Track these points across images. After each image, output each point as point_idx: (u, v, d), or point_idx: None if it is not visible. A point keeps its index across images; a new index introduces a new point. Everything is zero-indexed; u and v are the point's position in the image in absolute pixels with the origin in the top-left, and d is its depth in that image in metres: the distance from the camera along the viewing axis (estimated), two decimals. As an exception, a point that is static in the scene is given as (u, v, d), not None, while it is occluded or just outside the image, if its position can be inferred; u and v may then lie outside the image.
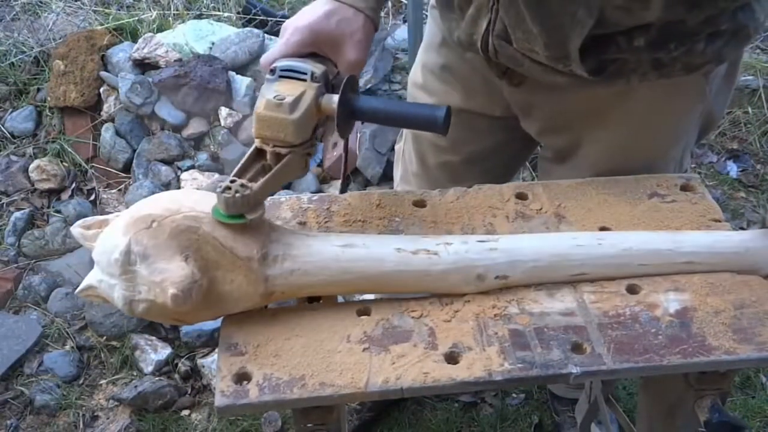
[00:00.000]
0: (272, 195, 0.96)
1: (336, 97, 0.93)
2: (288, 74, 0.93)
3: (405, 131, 1.51)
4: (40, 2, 2.94)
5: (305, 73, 0.93)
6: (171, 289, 0.84)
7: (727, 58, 1.06)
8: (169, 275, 0.85)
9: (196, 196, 0.92)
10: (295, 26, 0.97)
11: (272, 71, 0.94)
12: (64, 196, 2.45)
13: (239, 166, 0.91)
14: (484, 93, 1.27)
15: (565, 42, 0.97)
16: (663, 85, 1.07)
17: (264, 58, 0.98)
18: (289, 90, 0.91)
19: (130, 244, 0.86)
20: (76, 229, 0.94)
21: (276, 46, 0.97)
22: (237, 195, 0.86)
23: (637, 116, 1.14)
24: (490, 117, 1.31)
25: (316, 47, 0.97)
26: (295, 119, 0.89)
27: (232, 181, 0.88)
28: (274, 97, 0.89)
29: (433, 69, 1.32)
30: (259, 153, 0.93)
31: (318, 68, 0.94)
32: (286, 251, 0.91)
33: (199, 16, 2.75)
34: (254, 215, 0.88)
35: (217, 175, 2.32)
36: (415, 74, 1.38)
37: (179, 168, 2.36)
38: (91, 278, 0.91)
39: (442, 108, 0.94)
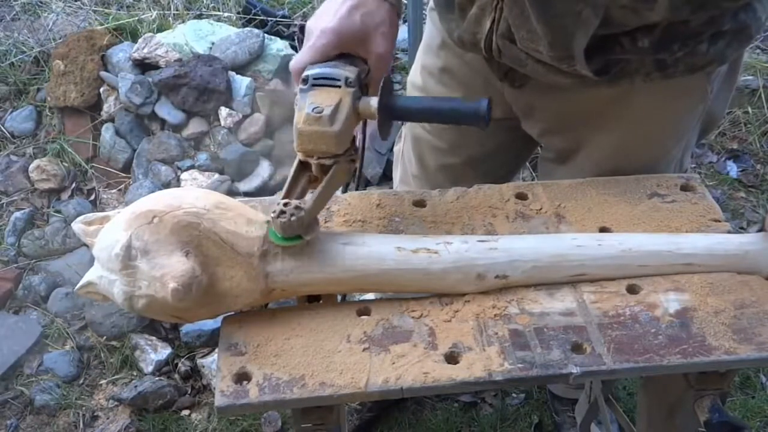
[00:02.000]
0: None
1: (375, 101, 0.91)
2: (321, 82, 0.91)
3: (404, 133, 1.51)
4: (40, 2, 2.94)
5: (339, 80, 0.91)
6: (171, 284, 0.84)
7: (729, 59, 1.06)
8: (169, 270, 0.85)
9: (197, 193, 0.92)
10: (320, 29, 0.95)
11: (305, 80, 0.92)
12: (64, 196, 2.45)
13: (287, 184, 0.91)
14: (484, 95, 1.26)
15: (570, 42, 0.97)
16: (665, 86, 1.07)
17: (294, 67, 0.96)
18: (325, 100, 0.89)
19: (130, 239, 0.86)
20: (77, 225, 0.94)
21: (303, 52, 0.95)
22: (293, 218, 0.86)
23: (638, 116, 1.14)
24: (490, 118, 1.31)
25: (343, 48, 0.96)
26: (337, 131, 0.88)
27: (286, 204, 0.87)
28: (313, 110, 0.88)
29: (432, 71, 1.32)
30: (303, 166, 0.92)
31: (350, 71, 0.92)
32: (286, 249, 0.91)
33: (199, 16, 2.75)
34: (311, 235, 0.89)
35: (217, 175, 2.33)
36: (415, 76, 1.38)
37: (179, 168, 2.36)
38: (91, 274, 0.91)
39: (484, 100, 0.93)
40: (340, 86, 0.91)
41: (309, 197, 0.90)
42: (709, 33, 1.00)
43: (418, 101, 0.98)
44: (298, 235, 0.88)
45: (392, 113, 0.94)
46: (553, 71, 1.05)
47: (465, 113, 0.95)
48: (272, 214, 0.87)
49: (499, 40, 1.05)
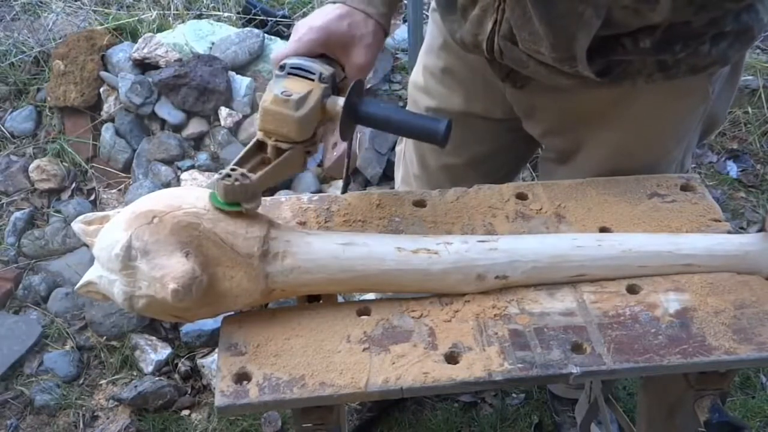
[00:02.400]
0: (269, 189, 0.97)
1: (341, 100, 0.95)
2: (297, 72, 0.95)
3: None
4: (40, 2, 2.94)
5: (314, 73, 0.94)
6: (171, 285, 0.84)
7: (731, 60, 1.06)
8: (169, 271, 0.85)
9: (197, 193, 0.93)
10: (309, 26, 0.98)
11: (281, 67, 0.95)
12: (64, 196, 2.45)
13: (240, 155, 0.93)
14: (486, 95, 1.27)
15: (572, 43, 0.97)
16: (667, 87, 1.07)
17: (274, 54, 0.99)
18: (296, 87, 0.92)
19: (130, 239, 0.86)
20: (76, 225, 0.94)
21: (288, 44, 0.99)
22: (236, 183, 0.88)
23: (640, 117, 1.14)
24: (491, 119, 1.31)
25: (326, 48, 0.99)
26: (300, 116, 0.91)
27: (233, 170, 0.89)
28: (282, 93, 0.91)
29: (434, 71, 1.32)
30: (260, 146, 0.95)
31: (327, 69, 0.95)
32: (286, 248, 0.91)
33: (199, 16, 2.75)
34: (250, 205, 0.90)
35: (217, 176, 2.32)
36: (416, 76, 1.38)
37: (179, 168, 2.36)
38: (91, 274, 0.91)
39: (444, 121, 0.96)
40: (313, 80, 0.94)
41: (258, 173, 0.91)
42: (711, 34, 1.00)
43: (383, 109, 1.00)
44: (238, 203, 0.89)
45: (355, 116, 0.97)
46: (554, 72, 1.05)
47: (424, 130, 0.98)
48: (217, 176, 0.89)
49: (501, 42, 1.05)
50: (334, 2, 1.00)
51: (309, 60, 0.96)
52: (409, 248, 0.94)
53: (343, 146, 1.02)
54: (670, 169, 1.21)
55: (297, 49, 0.97)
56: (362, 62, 1.00)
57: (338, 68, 0.99)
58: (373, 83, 2.48)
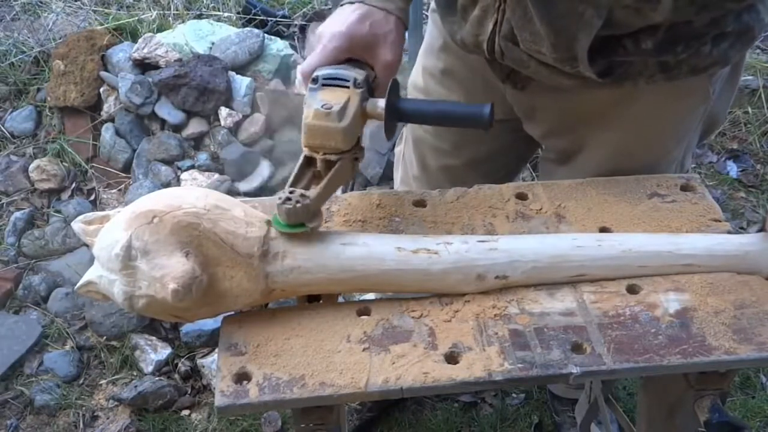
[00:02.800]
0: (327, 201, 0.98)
1: (382, 102, 0.95)
2: (331, 82, 0.94)
3: (405, 134, 1.51)
4: (40, 2, 2.94)
5: (348, 80, 0.94)
6: (171, 285, 0.84)
7: (732, 60, 1.06)
8: (169, 271, 0.85)
9: (197, 193, 0.93)
10: (331, 33, 0.98)
11: (314, 80, 0.95)
12: (64, 196, 2.45)
13: (293, 175, 0.93)
14: (486, 96, 1.27)
15: (573, 43, 0.97)
16: (667, 87, 1.07)
17: (303, 68, 0.98)
18: (334, 98, 0.92)
19: (131, 239, 0.86)
20: (77, 224, 0.94)
21: (314, 55, 0.98)
22: (298, 205, 0.88)
23: (640, 118, 1.14)
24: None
25: (352, 52, 0.98)
26: (344, 127, 0.91)
27: (291, 192, 0.89)
28: (322, 107, 0.91)
29: (433, 72, 1.32)
30: (309, 161, 0.95)
31: (359, 74, 0.95)
32: (286, 248, 0.91)
33: (199, 16, 2.75)
34: (314, 224, 0.91)
35: (217, 175, 2.32)
36: (416, 77, 1.38)
37: (179, 168, 2.36)
38: (91, 274, 0.91)
39: (486, 105, 0.96)
40: (348, 86, 0.94)
41: (313, 190, 0.91)
42: (712, 34, 1.00)
43: (423, 104, 1.01)
44: (302, 223, 0.90)
45: (398, 115, 0.97)
46: (556, 73, 1.05)
47: (469, 117, 0.98)
48: (278, 201, 0.89)
49: (502, 42, 1.05)
50: (352, 2, 0.99)
51: (339, 68, 0.95)
52: (409, 248, 0.94)
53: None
54: (670, 169, 1.21)
55: (324, 59, 0.97)
56: (390, 60, 1.00)
57: (368, 70, 0.99)
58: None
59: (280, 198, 0.89)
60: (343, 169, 0.94)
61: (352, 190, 1.16)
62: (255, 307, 0.97)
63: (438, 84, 1.32)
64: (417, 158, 1.44)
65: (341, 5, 1.01)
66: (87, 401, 1.97)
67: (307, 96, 0.94)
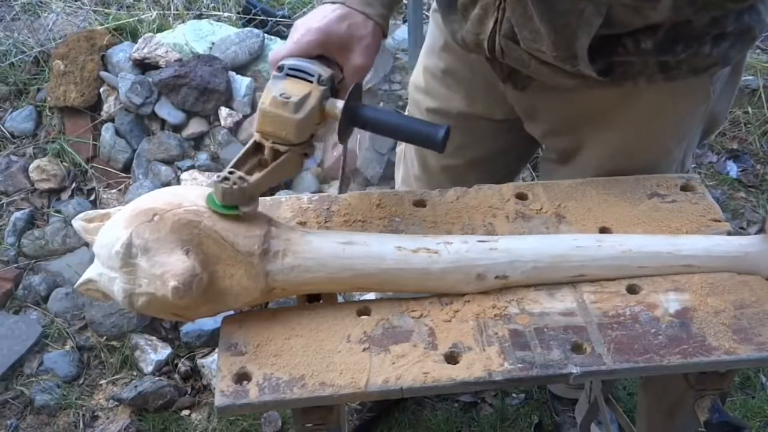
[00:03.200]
0: (266, 191, 0.97)
1: (340, 103, 0.94)
2: (295, 73, 0.94)
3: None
4: (40, 2, 2.94)
5: (313, 75, 0.94)
6: (171, 282, 0.84)
7: (732, 60, 1.06)
8: (169, 268, 0.85)
9: (197, 191, 0.93)
10: (307, 27, 0.98)
11: (280, 68, 0.95)
12: (64, 196, 2.45)
13: (237, 157, 0.93)
14: (487, 96, 1.27)
15: (573, 41, 0.97)
16: (668, 87, 1.07)
17: (272, 55, 0.99)
18: (295, 89, 0.92)
19: (131, 237, 0.86)
20: (77, 222, 0.94)
21: (286, 45, 0.98)
22: (234, 186, 0.88)
23: (641, 118, 1.14)
24: (492, 120, 1.31)
25: (325, 49, 0.98)
26: (299, 119, 0.91)
27: (231, 173, 0.89)
28: (281, 95, 0.91)
29: (434, 72, 1.32)
30: (257, 147, 0.94)
31: (325, 71, 0.95)
32: (286, 247, 0.91)
33: (199, 16, 2.75)
34: (248, 208, 0.90)
35: (214, 178, 2.32)
36: (417, 77, 1.38)
37: (179, 168, 2.36)
38: (91, 272, 0.91)
39: (443, 127, 0.96)
40: (312, 81, 0.94)
41: (255, 175, 0.91)
42: (712, 34, 1.00)
43: (382, 114, 1.00)
44: (235, 206, 0.89)
45: (354, 119, 0.97)
46: (556, 72, 1.05)
47: (423, 136, 0.97)
48: (215, 179, 0.89)
49: (502, 41, 1.05)
50: (333, 2, 1.00)
51: (307, 61, 0.95)
52: (409, 248, 0.94)
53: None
54: (671, 169, 1.21)
55: (295, 50, 0.97)
56: (361, 63, 0.99)
57: (336, 69, 0.99)
58: (373, 83, 2.48)
59: (218, 176, 0.89)
60: (289, 162, 0.94)
61: (340, 192, 1.15)
62: (255, 307, 0.97)
63: (439, 84, 1.32)
64: (418, 158, 1.44)
65: (322, 3, 1.01)
66: (87, 401, 1.97)
67: (269, 82, 0.94)
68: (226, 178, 0.88)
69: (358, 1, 0.99)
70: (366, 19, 0.99)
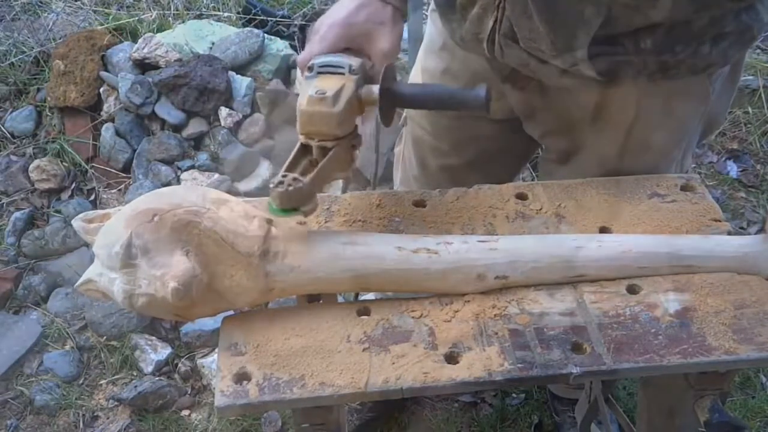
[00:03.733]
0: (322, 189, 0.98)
1: (376, 87, 0.94)
2: (326, 69, 0.95)
3: (404, 134, 1.51)
4: (40, 2, 2.94)
5: (343, 67, 0.94)
6: (171, 283, 0.84)
7: (731, 60, 1.06)
8: (169, 269, 0.85)
9: (198, 191, 0.93)
10: (328, 23, 0.99)
11: (310, 69, 0.95)
12: (64, 196, 2.45)
13: (288, 162, 0.92)
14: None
15: (573, 41, 0.97)
16: (667, 87, 1.07)
17: (301, 58, 1.00)
18: (329, 85, 0.92)
19: (131, 237, 0.86)
20: (77, 222, 0.94)
21: (312, 44, 0.99)
22: (290, 188, 0.87)
23: (640, 117, 1.14)
24: (491, 120, 1.31)
25: (349, 41, 0.99)
26: (338, 112, 0.91)
27: (284, 176, 0.89)
28: (315, 93, 0.91)
29: (433, 73, 1.32)
30: (305, 149, 0.94)
31: (355, 61, 0.96)
32: (286, 247, 0.91)
33: (199, 16, 2.75)
34: (308, 207, 0.89)
35: (217, 175, 2.33)
36: (416, 78, 1.38)
37: (179, 168, 2.36)
38: (91, 272, 0.91)
39: (483, 87, 0.95)
40: (344, 73, 0.94)
41: (308, 176, 0.91)
42: (711, 34, 1.00)
43: (419, 88, 1.00)
44: (295, 208, 0.89)
45: (394, 100, 0.97)
46: (555, 72, 1.05)
47: (466, 99, 0.97)
48: (271, 185, 0.88)
49: (502, 40, 1.05)
50: None
51: (335, 56, 0.96)
52: (409, 248, 0.94)
53: (368, 132, 1.03)
54: (670, 169, 1.21)
55: (321, 48, 0.98)
56: (387, 48, 1.00)
57: (365, 58, 0.99)
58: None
59: (272, 182, 0.88)
60: (339, 156, 0.93)
61: (374, 188, 1.15)
62: (255, 307, 0.97)
63: (438, 83, 1.32)
64: (417, 158, 1.44)
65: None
66: (87, 401, 1.97)
67: (303, 84, 0.94)
68: (280, 182, 0.88)
69: None
70: (384, 4, 1.01)
